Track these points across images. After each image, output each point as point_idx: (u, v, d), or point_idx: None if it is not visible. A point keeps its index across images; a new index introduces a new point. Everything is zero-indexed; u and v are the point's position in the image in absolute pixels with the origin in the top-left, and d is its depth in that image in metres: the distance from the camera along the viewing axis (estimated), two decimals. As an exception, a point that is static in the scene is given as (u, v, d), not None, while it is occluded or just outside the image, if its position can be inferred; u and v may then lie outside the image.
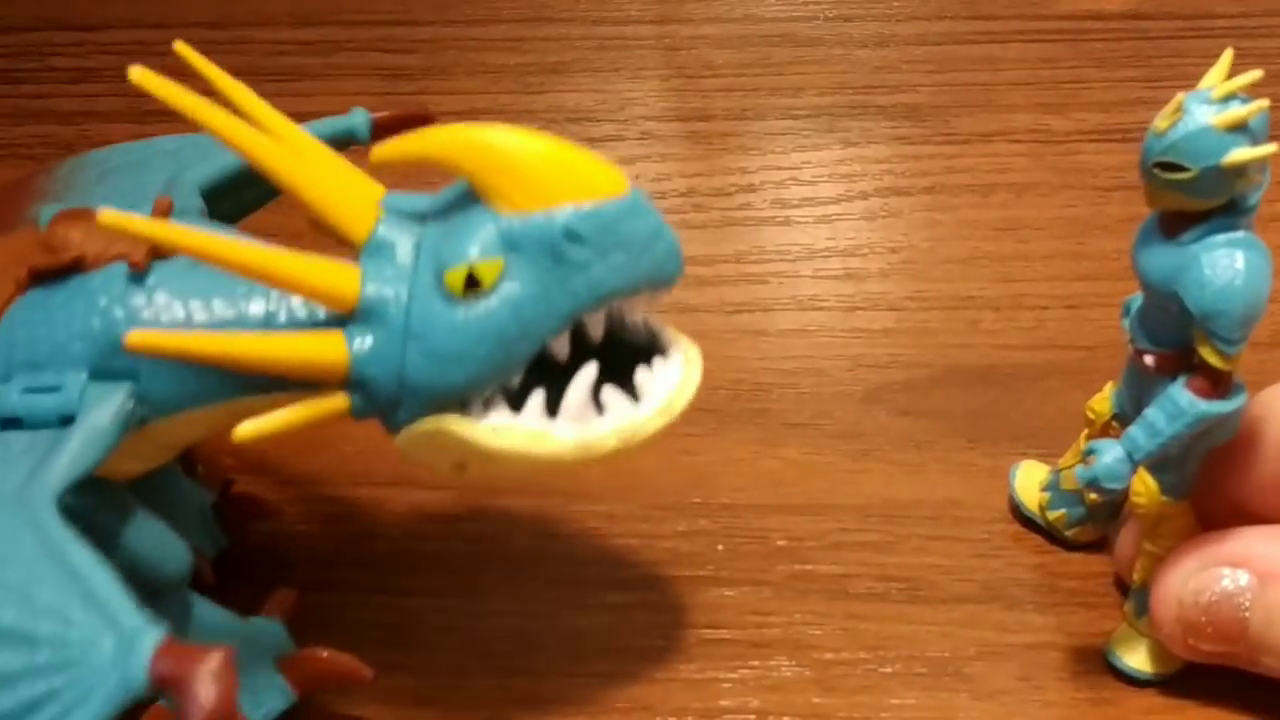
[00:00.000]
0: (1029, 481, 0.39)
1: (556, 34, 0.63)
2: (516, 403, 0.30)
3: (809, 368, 0.45)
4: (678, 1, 0.65)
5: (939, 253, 0.50)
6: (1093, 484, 0.31)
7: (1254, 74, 0.29)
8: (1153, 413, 0.31)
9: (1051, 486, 0.38)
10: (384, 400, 0.29)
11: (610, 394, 0.30)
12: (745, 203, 0.53)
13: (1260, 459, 0.33)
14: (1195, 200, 0.29)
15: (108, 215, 0.27)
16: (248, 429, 0.29)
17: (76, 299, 0.30)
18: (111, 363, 0.29)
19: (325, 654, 0.34)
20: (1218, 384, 0.31)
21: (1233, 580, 0.32)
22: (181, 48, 0.30)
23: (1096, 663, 0.36)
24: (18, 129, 0.59)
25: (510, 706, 0.35)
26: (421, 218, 0.30)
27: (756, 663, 0.36)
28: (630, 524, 0.40)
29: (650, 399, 0.30)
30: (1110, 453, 0.31)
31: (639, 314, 0.31)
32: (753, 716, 0.35)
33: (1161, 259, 0.30)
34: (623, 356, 0.31)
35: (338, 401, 0.29)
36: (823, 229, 0.51)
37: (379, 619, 0.38)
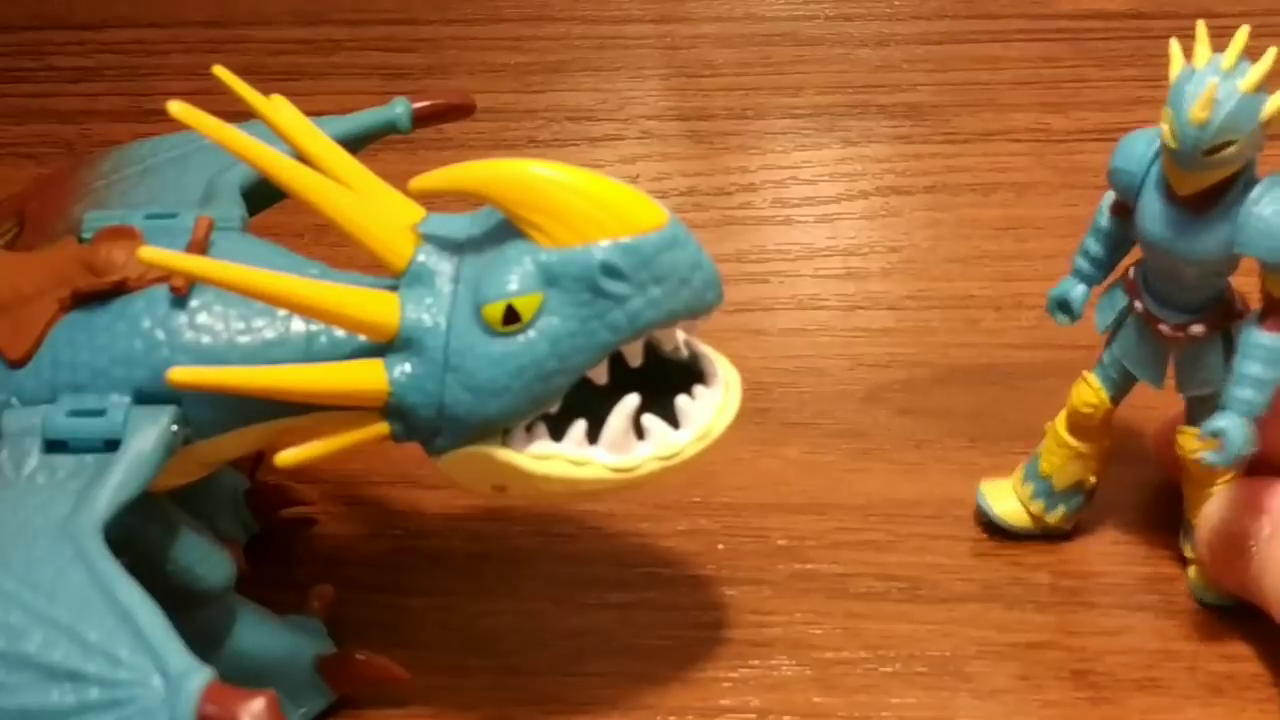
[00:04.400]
0: (1003, 499, 0.39)
1: (557, 33, 0.63)
2: (557, 427, 0.30)
3: (809, 367, 0.45)
4: (678, 0, 0.65)
5: (939, 252, 0.50)
6: (1237, 459, 0.32)
7: (1244, 30, 0.30)
8: (1247, 367, 0.32)
9: (1043, 493, 0.38)
10: (424, 428, 0.30)
11: (650, 421, 0.30)
12: (746, 202, 0.53)
13: None
14: (1236, 165, 0.30)
15: (148, 252, 0.28)
16: (290, 456, 0.29)
17: (120, 321, 0.30)
18: (155, 387, 0.29)
19: (363, 656, 0.35)
20: None
21: (1252, 522, 0.34)
22: (219, 71, 0.30)
23: (1097, 662, 0.36)
24: (18, 128, 0.59)
25: (510, 705, 0.35)
26: (459, 245, 0.30)
27: (757, 662, 0.36)
28: (630, 524, 0.40)
29: (690, 425, 0.31)
30: (1232, 424, 0.32)
31: (679, 337, 0.31)
32: (753, 715, 0.35)
33: (1204, 235, 0.31)
34: (662, 374, 0.31)
35: (378, 428, 0.30)
36: (823, 228, 0.51)
37: (379, 617, 0.38)
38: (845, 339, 0.46)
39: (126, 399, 0.30)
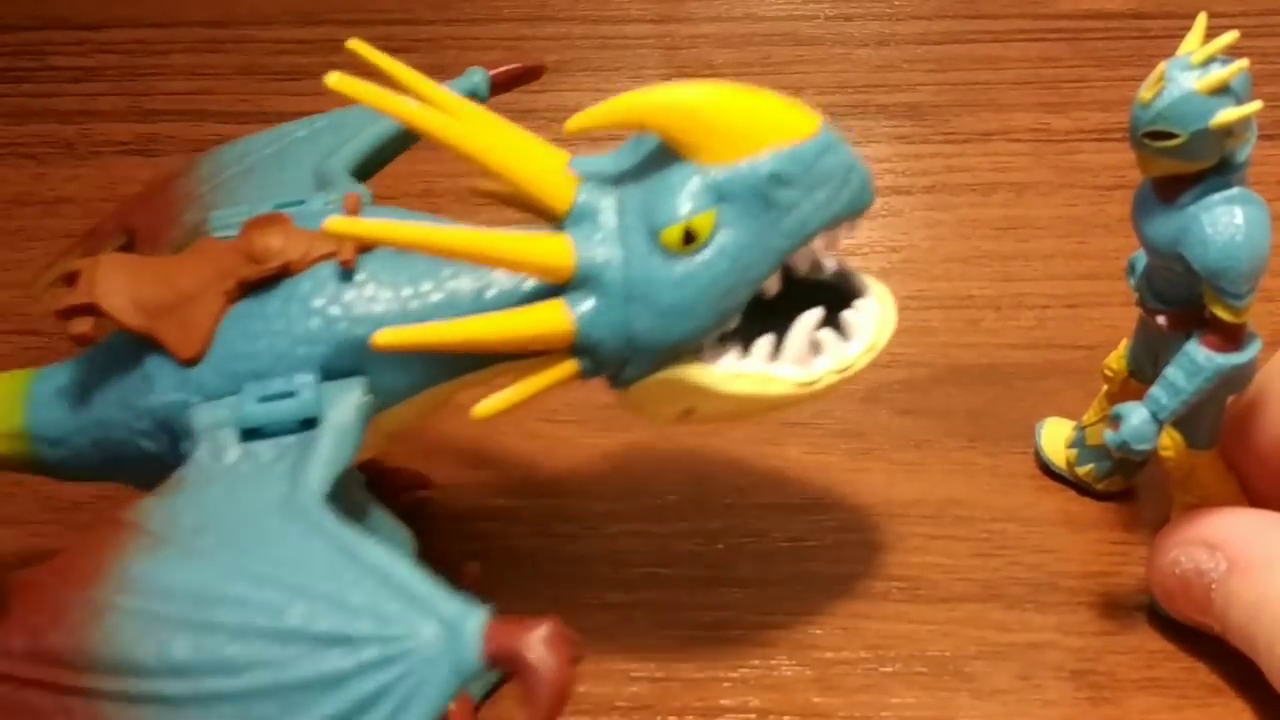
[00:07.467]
0: (1054, 438, 0.40)
1: (557, 33, 0.63)
2: (734, 344, 0.31)
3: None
4: (678, 0, 0.65)
5: (940, 252, 0.50)
6: (1122, 447, 0.32)
7: (1230, 35, 0.30)
8: (1172, 371, 0.32)
9: (1078, 443, 0.39)
10: (612, 361, 0.30)
11: (825, 335, 0.31)
12: (746, 202, 0.53)
13: (1258, 430, 0.34)
14: (1187, 163, 0.30)
15: (335, 223, 0.28)
16: (487, 406, 0.30)
17: (292, 304, 0.30)
18: (338, 361, 0.30)
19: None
20: (1231, 337, 0.32)
21: (1207, 559, 0.33)
22: (355, 44, 0.31)
23: (1096, 662, 0.36)
24: (18, 128, 0.59)
25: (509, 704, 0.35)
26: (615, 179, 0.31)
27: (757, 662, 0.36)
28: (630, 524, 0.40)
29: (859, 337, 0.31)
30: (1136, 415, 0.32)
31: (828, 261, 0.32)
32: (753, 715, 0.35)
33: (1162, 223, 0.31)
34: (804, 297, 0.31)
35: (567, 367, 0.30)
36: (823, 228, 0.51)
37: (379, 618, 0.38)
38: (845, 339, 0.46)
39: (312, 377, 0.30)
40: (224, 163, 0.36)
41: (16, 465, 0.33)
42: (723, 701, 0.35)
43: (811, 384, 0.31)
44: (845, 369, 0.31)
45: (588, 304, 0.30)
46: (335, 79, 0.29)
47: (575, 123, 0.30)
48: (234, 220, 0.32)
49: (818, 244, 0.31)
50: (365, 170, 0.35)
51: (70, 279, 0.31)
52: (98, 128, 0.58)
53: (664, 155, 0.30)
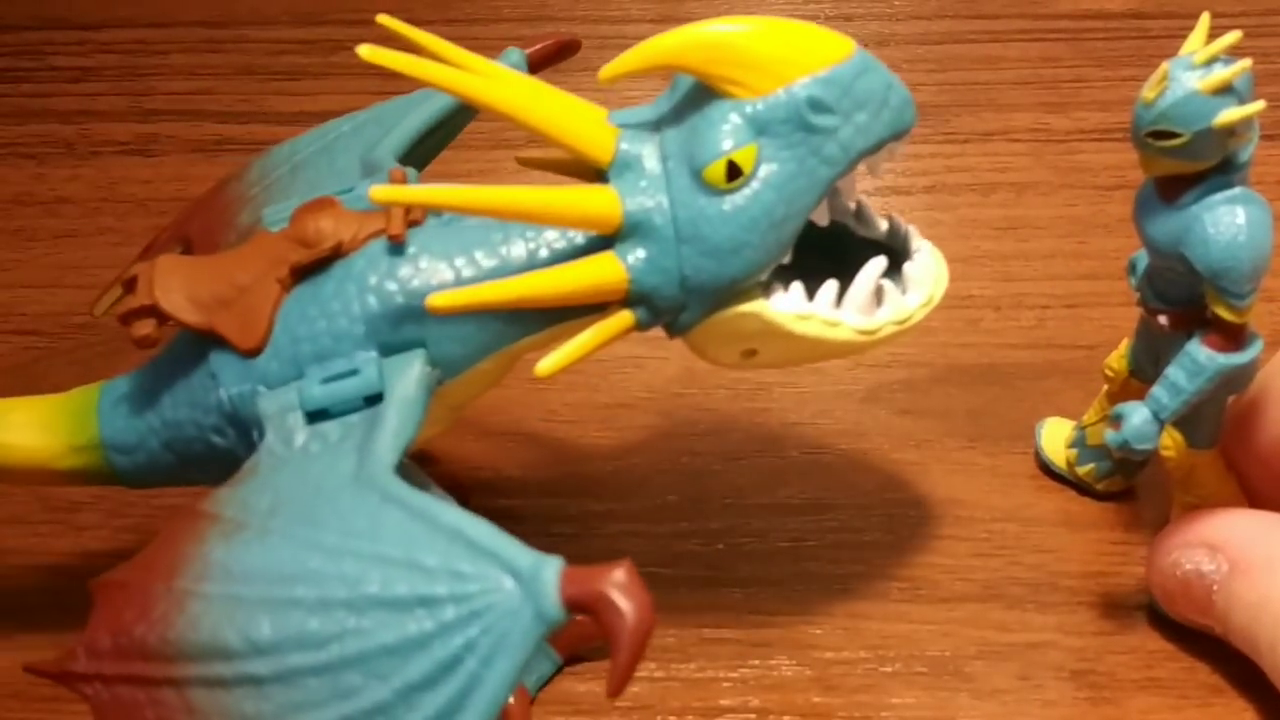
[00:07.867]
0: (1054, 438, 0.40)
1: (557, 33, 0.63)
2: (794, 287, 0.31)
3: (809, 366, 0.45)
4: (678, 1, 0.65)
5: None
6: (1123, 447, 0.32)
7: (1233, 35, 0.30)
8: (1173, 371, 0.32)
9: (1078, 443, 0.39)
10: (668, 307, 0.30)
11: (886, 285, 0.31)
12: (746, 202, 0.53)
13: (1260, 430, 0.34)
14: (1190, 163, 0.30)
15: (380, 191, 0.28)
16: (549, 363, 0.30)
17: (347, 283, 0.31)
18: (397, 336, 0.30)
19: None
20: (1232, 337, 0.32)
21: (1208, 561, 0.33)
22: (385, 19, 0.31)
23: (1096, 663, 0.36)
24: (18, 128, 0.59)
25: (510, 704, 0.35)
26: (653, 126, 0.31)
27: (757, 662, 0.36)
28: (630, 524, 0.40)
29: (915, 291, 0.32)
30: (1137, 415, 0.32)
31: (882, 219, 0.32)
32: (753, 715, 0.35)
33: (1164, 223, 0.31)
34: (858, 255, 0.32)
35: (623, 318, 0.30)
36: (823, 228, 0.51)
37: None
38: (845, 339, 0.46)
39: (373, 353, 0.30)
40: (273, 164, 0.36)
41: (91, 478, 0.33)
42: (723, 701, 0.35)
43: (872, 333, 0.31)
44: (904, 320, 0.32)
45: (639, 252, 0.30)
46: (367, 50, 0.29)
47: (609, 70, 0.30)
48: (285, 215, 0.32)
49: (862, 169, 0.31)
50: (411, 161, 0.35)
51: (129, 284, 0.31)
52: (97, 128, 0.58)
53: (700, 95, 0.30)
